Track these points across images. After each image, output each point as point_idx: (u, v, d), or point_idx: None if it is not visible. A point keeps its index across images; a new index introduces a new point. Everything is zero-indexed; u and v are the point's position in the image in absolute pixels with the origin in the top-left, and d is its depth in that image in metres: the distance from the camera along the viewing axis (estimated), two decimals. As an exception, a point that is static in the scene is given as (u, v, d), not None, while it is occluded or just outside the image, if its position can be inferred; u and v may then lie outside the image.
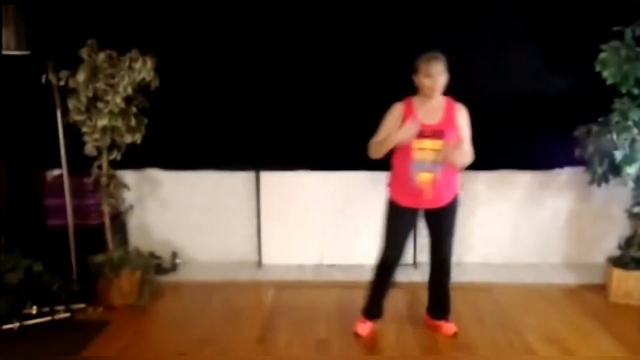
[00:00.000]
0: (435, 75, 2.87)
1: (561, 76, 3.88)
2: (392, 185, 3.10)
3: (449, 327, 3.22)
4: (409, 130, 2.84)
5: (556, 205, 4.26)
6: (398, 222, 3.08)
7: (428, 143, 2.87)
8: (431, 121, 2.91)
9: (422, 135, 2.86)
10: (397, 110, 2.99)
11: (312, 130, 4.03)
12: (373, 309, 3.24)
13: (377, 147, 2.95)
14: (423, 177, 2.90)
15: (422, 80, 2.90)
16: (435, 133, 2.87)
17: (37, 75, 3.45)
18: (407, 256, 4.27)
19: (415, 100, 2.99)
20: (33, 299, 3.29)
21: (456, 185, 3.06)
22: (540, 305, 3.63)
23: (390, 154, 3.01)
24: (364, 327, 3.22)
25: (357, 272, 4.12)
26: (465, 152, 2.94)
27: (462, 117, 2.98)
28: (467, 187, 4.28)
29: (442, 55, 2.92)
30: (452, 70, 3.89)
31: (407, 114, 2.94)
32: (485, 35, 3.88)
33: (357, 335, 3.19)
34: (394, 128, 2.93)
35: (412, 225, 3.14)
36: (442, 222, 3.08)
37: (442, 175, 2.91)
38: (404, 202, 3.03)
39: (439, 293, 3.24)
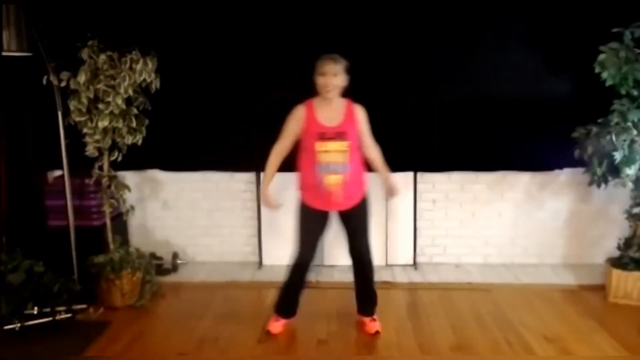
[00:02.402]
0: (327, 73, 2.93)
1: (560, 77, 3.88)
2: (302, 188, 3.12)
3: (372, 325, 3.25)
4: (268, 205, 3.15)
5: (556, 206, 4.27)
6: (310, 224, 3.11)
7: (332, 145, 2.94)
8: (333, 123, 2.97)
9: (324, 137, 2.94)
10: (298, 112, 3.03)
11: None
12: (287, 308, 3.28)
13: (266, 170, 3.13)
14: (331, 180, 2.95)
15: (317, 78, 2.98)
16: (338, 135, 2.95)
17: (38, 77, 3.47)
18: (407, 257, 4.31)
19: (316, 102, 3.04)
20: (34, 299, 3.29)
21: (364, 185, 3.13)
22: (540, 305, 3.64)
23: (296, 155, 3.10)
24: (277, 325, 3.26)
25: (357, 273, 4.14)
26: (381, 160, 3.16)
27: (361, 116, 3.07)
28: (467, 188, 4.30)
29: (342, 58, 2.99)
30: (452, 70, 3.95)
31: (309, 116, 3.00)
32: (485, 36, 3.89)
33: (269, 333, 3.22)
34: (296, 130, 3.02)
35: (324, 226, 3.14)
36: (354, 222, 3.13)
37: (350, 176, 2.98)
38: (315, 204, 3.06)
39: (362, 290, 3.28)
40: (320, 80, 2.96)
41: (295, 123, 3.03)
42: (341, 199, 3.01)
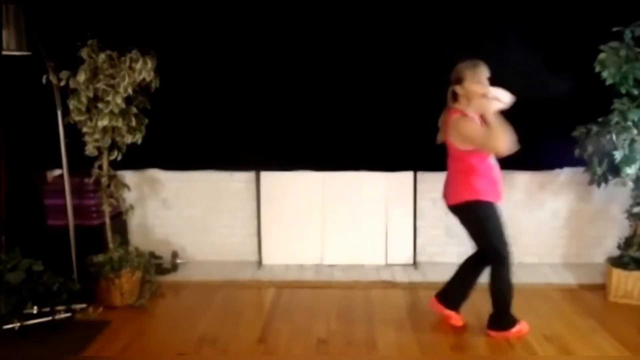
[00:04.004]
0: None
1: (561, 76, 3.88)
2: (479, 187, 3.06)
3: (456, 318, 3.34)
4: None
5: (556, 206, 4.26)
6: (498, 217, 3.08)
7: None
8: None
9: None
10: (476, 122, 3.02)
11: (312, 131, 4.04)
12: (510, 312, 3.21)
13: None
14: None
15: (474, 86, 3.03)
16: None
17: (37, 76, 3.46)
18: (407, 256, 4.31)
19: (469, 111, 3.06)
20: (33, 298, 3.29)
21: (463, 192, 3.16)
22: (540, 305, 3.64)
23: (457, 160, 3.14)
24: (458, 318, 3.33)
25: (357, 272, 4.14)
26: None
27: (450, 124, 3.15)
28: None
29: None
30: (452, 70, 3.93)
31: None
32: (485, 35, 3.88)
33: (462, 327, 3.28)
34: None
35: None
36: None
37: (447, 182, 3.21)
38: (496, 197, 3.09)
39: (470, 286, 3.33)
40: (479, 89, 3.01)
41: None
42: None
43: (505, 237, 3.08)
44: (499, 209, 3.09)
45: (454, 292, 3.35)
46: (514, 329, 3.18)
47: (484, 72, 3.05)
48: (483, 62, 3.07)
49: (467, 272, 3.33)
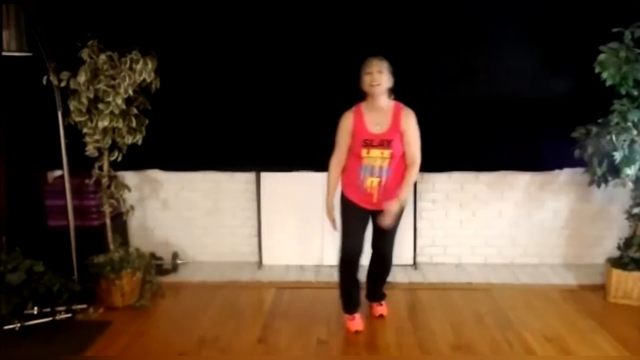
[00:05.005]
0: (373, 71, 2.97)
1: (560, 77, 3.88)
2: (345, 184, 3.18)
3: (378, 309, 3.46)
4: (331, 218, 3.19)
5: (556, 206, 4.27)
6: (352, 217, 3.14)
7: (376, 152, 3.00)
8: (379, 130, 3.00)
9: (369, 145, 3.00)
10: (347, 120, 3.08)
11: (312, 131, 4.03)
12: (351, 303, 3.30)
13: (328, 184, 3.18)
14: (371, 182, 3.03)
15: (363, 79, 3.01)
16: (382, 143, 2.98)
17: (38, 76, 3.47)
18: (407, 257, 4.31)
19: (364, 106, 3.08)
20: (34, 299, 3.30)
21: None
22: (540, 305, 3.64)
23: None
24: (355, 323, 3.28)
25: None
26: (408, 184, 3.05)
27: (409, 122, 3.03)
28: (467, 188, 4.30)
29: (385, 60, 3.04)
30: (452, 70, 3.95)
31: (357, 122, 3.04)
32: (485, 36, 3.88)
33: (356, 332, 3.25)
34: (348, 139, 3.07)
35: (366, 222, 3.18)
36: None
37: (389, 180, 3.03)
38: (354, 197, 3.12)
39: (375, 281, 3.44)
40: (366, 79, 2.99)
41: (345, 131, 3.08)
42: (379, 199, 3.04)
43: (350, 239, 3.14)
44: (360, 210, 3.12)
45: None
46: (347, 317, 3.31)
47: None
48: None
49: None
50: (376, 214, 3.07)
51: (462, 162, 4.12)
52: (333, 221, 3.20)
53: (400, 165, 3.07)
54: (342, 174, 3.19)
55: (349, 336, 3.23)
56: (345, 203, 3.17)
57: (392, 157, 3.00)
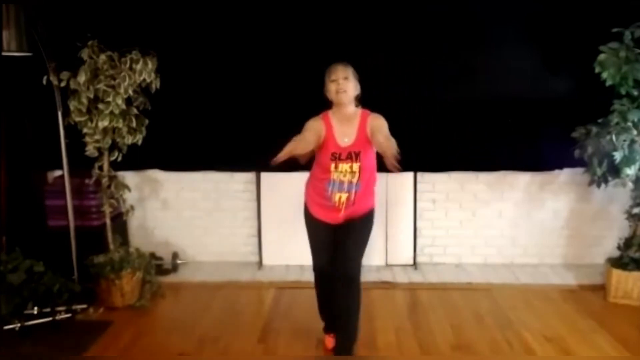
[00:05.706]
0: (338, 77, 2.77)
1: (560, 77, 3.88)
2: (309, 195, 2.99)
3: (330, 340, 3.09)
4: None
5: (556, 206, 4.27)
6: (317, 232, 2.98)
7: (344, 166, 2.78)
8: (347, 141, 2.78)
9: (338, 159, 2.78)
10: (318, 125, 2.82)
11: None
12: (327, 321, 3.11)
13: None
14: (340, 197, 2.83)
15: (328, 86, 2.81)
16: (351, 156, 2.77)
17: (38, 77, 3.47)
18: (407, 257, 4.31)
19: (332, 115, 2.85)
20: (34, 299, 3.30)
21: (372, 200, 2.96)
22: (540, 305, 3.64)
23: (310, 162, 2.93)
24: (331, 340, 3.07)
25: (357, 273, 4.14)
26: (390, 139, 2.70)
27: (375, 121, 2.80)
28: (467, 188, 4.30)
29: (350, 65, 2.84)
30: (452, 70, 3.95)
31: (328, 132, 2.81)
32: (485, 36, 3.88)
33: (327, 349, 3.07)
34: (313, 143, 2.76)
35: (331, 235, 2.93)
36: (351, 232, 2.88)
37: (359, 195, 2.83)
38: (319, 215, 2.93)
39: (345, 316, 2.91)
40: (331, 87, 2.79)
41: (314, 131, 2.79)
42: (346, 214, 2.86)
43: (320, 253, 2.97)
44: (325, 224, 2.91)
45: None
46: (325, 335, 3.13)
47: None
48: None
49: None
50: (340, 228, 2.89)
51: (462, 162, 4.12)
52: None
53: (371, 178, 2.89)
54: (307, 184, 3.01)
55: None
56: (310, 219, 2.98)
57: (362, 169, 2.79)
